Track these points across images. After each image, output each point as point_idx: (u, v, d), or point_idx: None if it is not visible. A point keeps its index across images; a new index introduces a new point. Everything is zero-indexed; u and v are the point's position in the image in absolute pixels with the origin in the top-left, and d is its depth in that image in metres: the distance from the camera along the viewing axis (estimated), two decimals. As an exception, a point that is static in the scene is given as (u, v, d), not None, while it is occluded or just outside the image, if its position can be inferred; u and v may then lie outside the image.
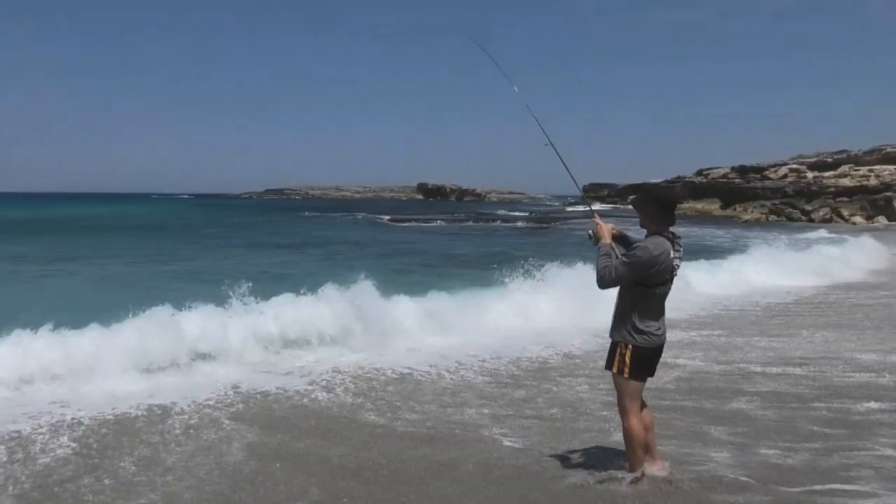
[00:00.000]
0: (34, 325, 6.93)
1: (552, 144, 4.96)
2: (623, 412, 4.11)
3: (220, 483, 4.34)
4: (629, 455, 4.18)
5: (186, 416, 5.69)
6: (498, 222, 49.13)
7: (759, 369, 7.39)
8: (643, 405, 4.22)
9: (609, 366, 4.15)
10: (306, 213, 62.03)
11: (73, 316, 7.51)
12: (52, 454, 4.83)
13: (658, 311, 4.06)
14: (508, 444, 5.13)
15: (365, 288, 9.05)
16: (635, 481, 4.13)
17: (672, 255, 3.97)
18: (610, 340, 4.20)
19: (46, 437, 5.14)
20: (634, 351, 4.01)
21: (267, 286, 9.43)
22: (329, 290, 8.91)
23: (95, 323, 7.28)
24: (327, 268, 17.04)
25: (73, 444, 5.02)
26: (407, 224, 45.74)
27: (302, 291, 8.79)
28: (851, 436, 5.20)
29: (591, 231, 4.25)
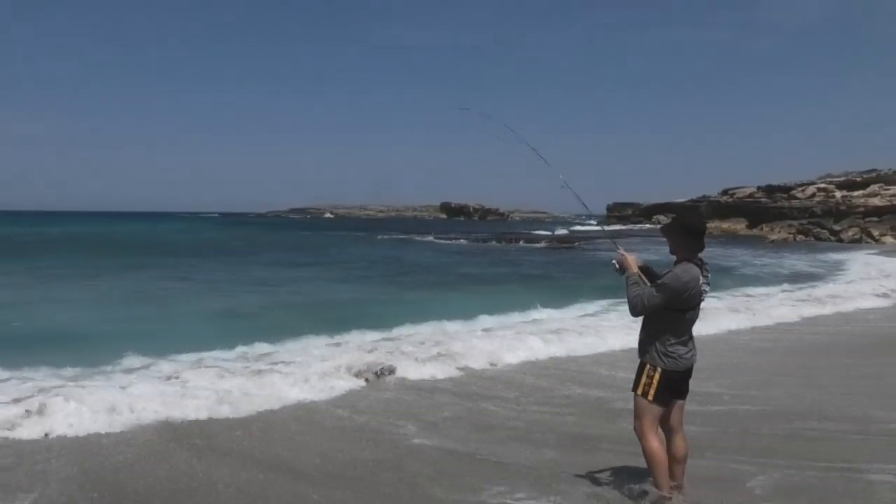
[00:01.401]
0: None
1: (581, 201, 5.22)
2: (641, 435, 4.11)
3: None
4: (654, 476, 4.13)
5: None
6: (542, 243, 46.26)
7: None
8: (682, 436, 4.23)
9: (635, 387, 4.17)
10: (358, 234, 59.96)
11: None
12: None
13: (687, 335, 4.11)
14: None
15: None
16: (661, 500, 4.09)
17: (700, 281, 4.02)
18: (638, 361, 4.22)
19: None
20: (663, 374, 4.04)
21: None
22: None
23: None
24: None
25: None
26: (451, 241, 46.04)
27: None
28: None
29: (616, 262, 4.34)
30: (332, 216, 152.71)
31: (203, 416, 6.09)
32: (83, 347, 9.15)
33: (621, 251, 4.34)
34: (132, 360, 8.06)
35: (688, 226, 4.20)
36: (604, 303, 14.23)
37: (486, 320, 11.82)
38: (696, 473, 4.51)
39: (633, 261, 4.26)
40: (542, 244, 45.21)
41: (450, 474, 4.89)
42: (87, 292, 16.79)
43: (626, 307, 4.20)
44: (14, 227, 64.55)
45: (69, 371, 7.50)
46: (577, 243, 45.79)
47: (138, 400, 6.15)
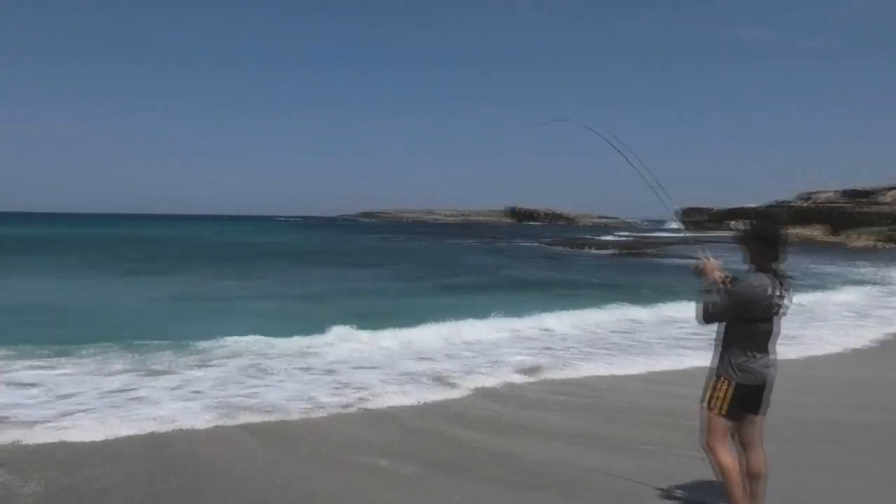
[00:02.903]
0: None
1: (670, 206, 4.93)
2: (711, 450, 3.99)
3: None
4: (729, 493, 3.97)
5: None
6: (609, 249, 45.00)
7: None
8: (761, 452, 4.07)
9: (703, 399, 4.05)
10: (449, 241, 58.71)
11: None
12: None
13: (762, 348, 3.94)
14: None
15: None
16: None
17: (772, 292, 3.86)
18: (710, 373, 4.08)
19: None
20: (736, 388, 3.93)
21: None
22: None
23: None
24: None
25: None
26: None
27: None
28: None
29: (697, 265, 4.22)
30: (406, 220, 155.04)
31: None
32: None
33: (704, 256, 4.21)
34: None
35: (761, 234, 4.03)
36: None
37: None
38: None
39: (713, 267, 4.12)
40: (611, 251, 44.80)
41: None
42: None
43: None
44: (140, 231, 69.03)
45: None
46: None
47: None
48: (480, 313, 13.44)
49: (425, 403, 7.54)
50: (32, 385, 7.89)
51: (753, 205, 78.48)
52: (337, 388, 8.04)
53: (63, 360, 9.20)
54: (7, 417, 6.59)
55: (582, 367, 9.54)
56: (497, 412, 7.26)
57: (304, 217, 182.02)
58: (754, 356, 3.92)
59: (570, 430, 6.61)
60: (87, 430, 6.24)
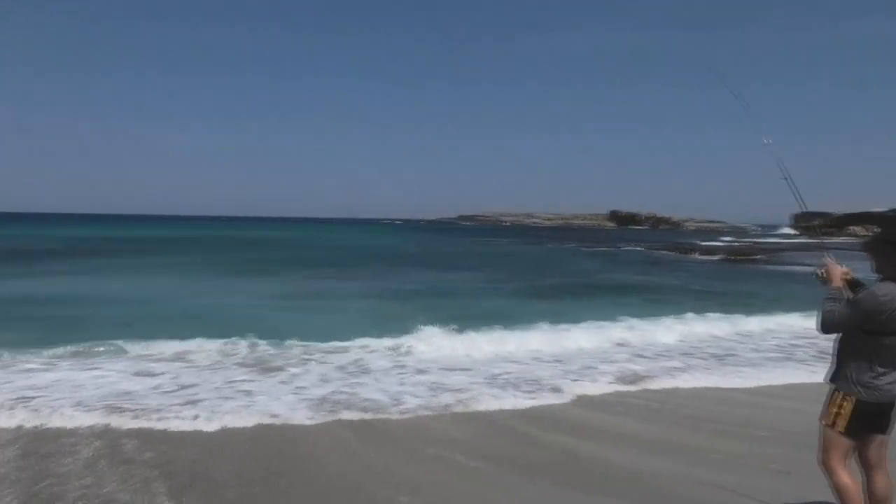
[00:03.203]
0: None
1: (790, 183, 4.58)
2: (828, 469, 3.77)
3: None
4: None
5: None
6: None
7: None
8: (884, 474, 3.81)
9: (822, 416, 3.84)
10: (550, 245, 57.25)
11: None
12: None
13: (888, 363, 3.67)
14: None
15: None
16: None
17: None
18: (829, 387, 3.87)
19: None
20: (857, 405, 3.68)
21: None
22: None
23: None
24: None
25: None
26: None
27: None
28: None
29: (820, 271, 3.98)
30: (507, 223, 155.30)
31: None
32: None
33: (827, 259, 4.00)
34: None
35: (891, 239, 3.71)
36: None
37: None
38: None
39: (838, 273, 3.91)
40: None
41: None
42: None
43: None
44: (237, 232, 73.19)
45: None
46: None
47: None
48: (577, 318, 13.39)
49: (516, 408, 7.61)
50: (159, 374, 8.66)
51: (881, 209, 73.05)
52: (432, 389, 8.25)
53: (185, 353, 10.01)
54: (134, 406, 7.22)
55: (683, 378, 9.29)
56: (592, 419, 7.23)
57: (404, 220, 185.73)
58: (880, 372, 3.66)
59: (668, 441, 6.48)
60: (203, 421, 6.77)
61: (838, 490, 3.74)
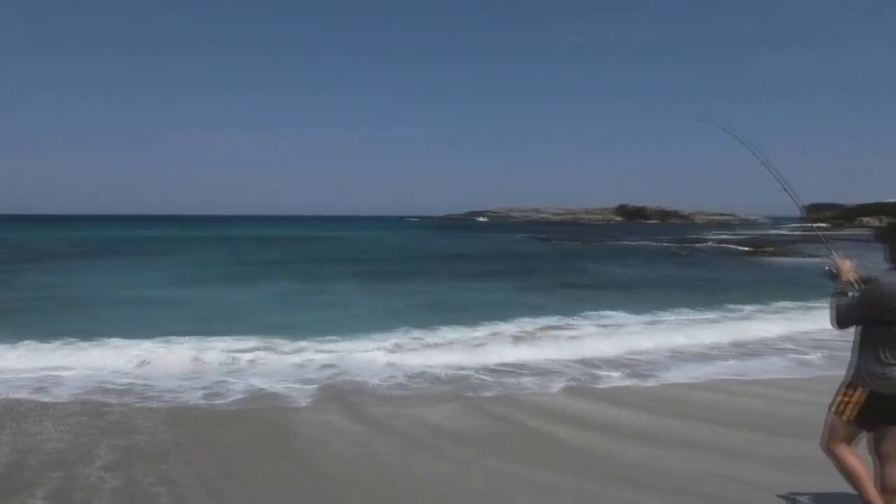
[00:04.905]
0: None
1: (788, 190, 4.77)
2: (832, 453, 3.81)
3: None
4: (860, 492, 3.76)
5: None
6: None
7: None
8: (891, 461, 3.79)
9: (831, 404, 3.84)
10: (556, 242, 54.89)
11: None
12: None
13: None
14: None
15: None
16: None
17: None
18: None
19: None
20: (869, 396, 3.67)
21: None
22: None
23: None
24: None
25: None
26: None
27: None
28: None
29: (829, 268, 4.00)
30: (515, 219, 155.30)
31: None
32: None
33: (834, 256, 4.05)
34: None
35: None
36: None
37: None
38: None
39: (847, 268, 3.92)
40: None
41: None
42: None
43: None
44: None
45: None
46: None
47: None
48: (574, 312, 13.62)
49: (518, 399, 7.70)
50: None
51: (893, 199, 72.55)
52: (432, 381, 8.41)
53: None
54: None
55: (692, 370, 9.28)
56: (601, 412, 7.18)
57: (420, 217, 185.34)
58: (892, 363, 3.63)
59: (681, 433, 6.45)
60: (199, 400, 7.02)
61: (846, 473, 3.76)
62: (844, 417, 3.74)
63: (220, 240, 55.79)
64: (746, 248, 41.80)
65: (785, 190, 4.78)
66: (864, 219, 72.15)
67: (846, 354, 3.90)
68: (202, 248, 42.36)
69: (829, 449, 3.82)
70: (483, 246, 48.59)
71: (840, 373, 3.92)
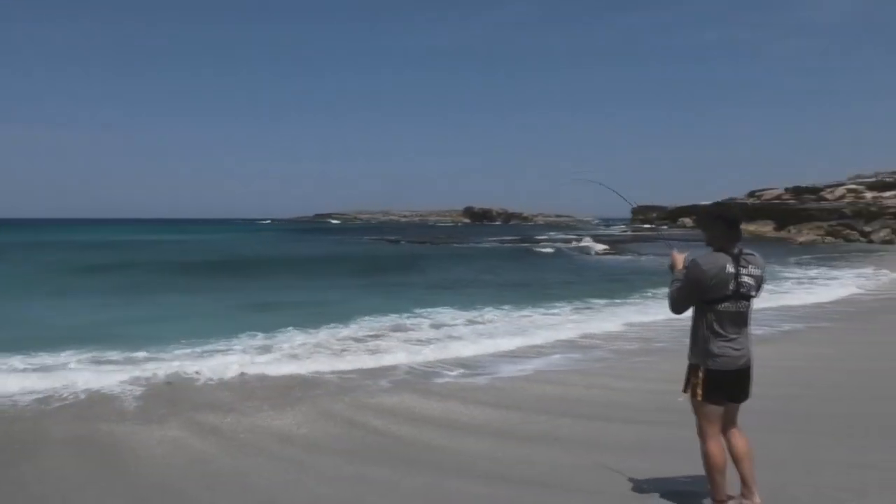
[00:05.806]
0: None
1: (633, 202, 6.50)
2: (700, 435, 4.02)
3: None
4: (709, 482, 4.02)
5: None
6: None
7: None
8: (737, 432, 4.07)
9: (685, 388, 4.08)
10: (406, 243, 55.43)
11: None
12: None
13: (730, 331, 3.89)
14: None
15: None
16: None
17: (730, 270, 3.84)
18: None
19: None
20: (707, 374, 3.91)
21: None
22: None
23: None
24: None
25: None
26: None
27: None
28: None
29: (670, 262, 4.36)
30: (367, 221, 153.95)
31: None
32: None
33: (673, 251, 4.38)
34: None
35: (720, 214, 4.09)
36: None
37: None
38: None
39: (681, 259, 4.23)
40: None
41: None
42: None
43: None
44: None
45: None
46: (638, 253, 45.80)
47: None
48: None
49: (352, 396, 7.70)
50: None
51: (706, 202, 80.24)
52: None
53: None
54: None
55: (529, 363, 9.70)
56: (432, 408, 7.37)
57: (273, 219, 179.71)
58: (724, 340, 3.88)
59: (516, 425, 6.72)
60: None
61: (704, 454, 3.98)
62: (698, 398, 3.95)
63: (35, 246, 50.46)
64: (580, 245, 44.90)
65: (620, 195, 5.92)
66: (684, 219, 79.45)
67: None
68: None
69: (700, 432, 4.02)
70: (335, 248, 48.07)
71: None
